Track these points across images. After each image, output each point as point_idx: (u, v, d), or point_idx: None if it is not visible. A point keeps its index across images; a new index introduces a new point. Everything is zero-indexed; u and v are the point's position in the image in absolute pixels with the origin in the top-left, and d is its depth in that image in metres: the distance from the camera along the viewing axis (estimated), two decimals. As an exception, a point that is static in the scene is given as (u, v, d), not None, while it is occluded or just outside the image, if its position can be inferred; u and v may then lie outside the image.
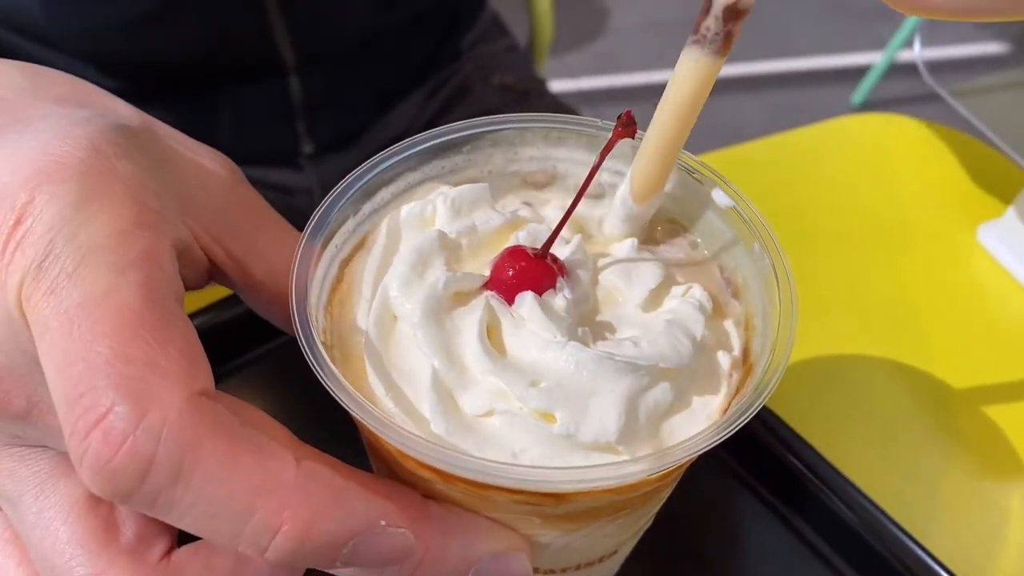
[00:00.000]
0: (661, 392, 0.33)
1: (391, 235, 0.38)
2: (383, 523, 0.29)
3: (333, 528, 0.28)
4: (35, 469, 0.32)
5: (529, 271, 0.35)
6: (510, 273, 0.35)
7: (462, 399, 0.33)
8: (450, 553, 0.32)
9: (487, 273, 0.36)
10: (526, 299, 0.34)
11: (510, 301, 0.35)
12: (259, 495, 0.27)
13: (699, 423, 0.34)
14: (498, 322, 0.34)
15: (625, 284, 0.37)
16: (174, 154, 0.36)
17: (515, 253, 0.36)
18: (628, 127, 0.34)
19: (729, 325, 0.38)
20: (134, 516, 0.31)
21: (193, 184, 0.35)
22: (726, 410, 0.35)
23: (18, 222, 0.29)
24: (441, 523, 0.32)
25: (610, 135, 0.35)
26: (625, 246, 0.39)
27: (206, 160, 0.37)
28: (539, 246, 0.36)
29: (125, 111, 0.36)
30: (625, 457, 0.32)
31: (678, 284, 0.38)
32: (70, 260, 0.28)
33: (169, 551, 0.31)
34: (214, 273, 0.37)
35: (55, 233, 0.28)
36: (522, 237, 0.37)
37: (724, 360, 0.36)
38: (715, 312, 0.38)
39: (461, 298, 0.35)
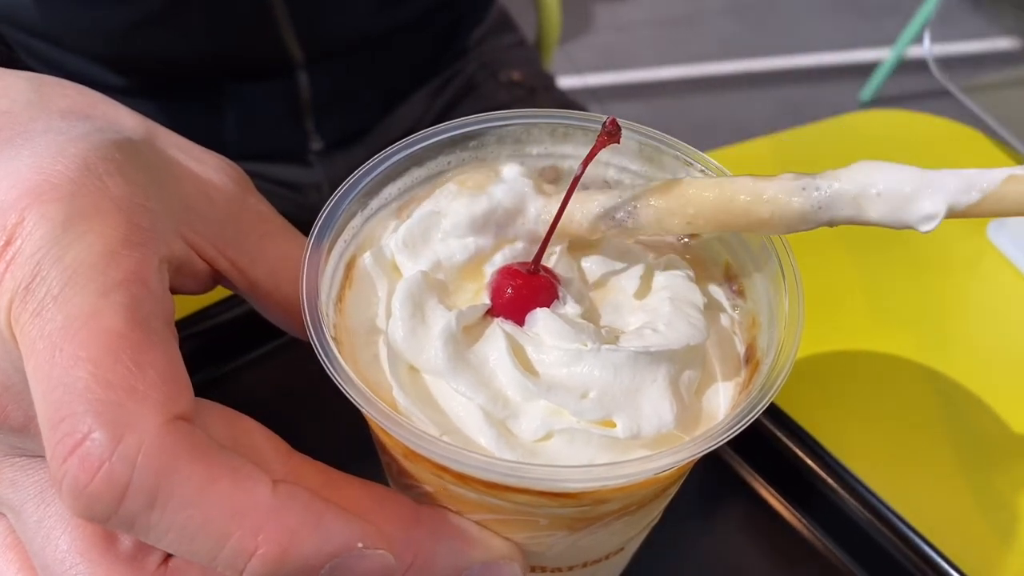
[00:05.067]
0: (692, 368, 0.34)
1: (368, 282, 0.37)
2: (360, 545, 0.30)
3: (309, 552, 0.28)
4: (36, 479, 0.33)
5: (531, 289, 0.35)
6: (512, 295, 0.35)
7: (516, 429, 0.33)
8: (440, 559, 0.32)
9: (485, 300, 0.36)
10: (539, 317, 0.34)
11: (520, 322, 0.35)
12: (234, 519, 0.27)
13: (724, 388, 0.35)
14: (519, 346, 0.34)
15: (613, 275, 0.38)
16: (176, 166, 0.36)
17: (508, 273, 0.36)
18: (613, 135, 0.34)
19: (713, 288, 0.39)
20: None
21: (195, 196, 0.36)
22: (744, 370, 0.36)
23: (8, 243, 0.29)
24: (431, 529, 0.32)
25: (618, 138, 0.35)
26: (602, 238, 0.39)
27: (211, 170, 0.37)
28: (516, 260, 0.36)
29: (129, 122, 0.37)
30: (684, 441, 0.32)
31: (656, 260, 0.39)
32: (56, 282, 0.28)
33: (167, 558, 0.31)
34: (220, 280, 0.37)
35: (42, 255, 0.29)
36: (498, 260, 0.37)
37: (725, 320, 0.38)
38: (698, 279, 0.38)
39: (469, 331, 0.35)
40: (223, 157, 0.38)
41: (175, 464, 0.27)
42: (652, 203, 0.35)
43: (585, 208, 0.36)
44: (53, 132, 0.33)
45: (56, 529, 0.31)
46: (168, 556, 0.31)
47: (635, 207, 0.35)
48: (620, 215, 0.35)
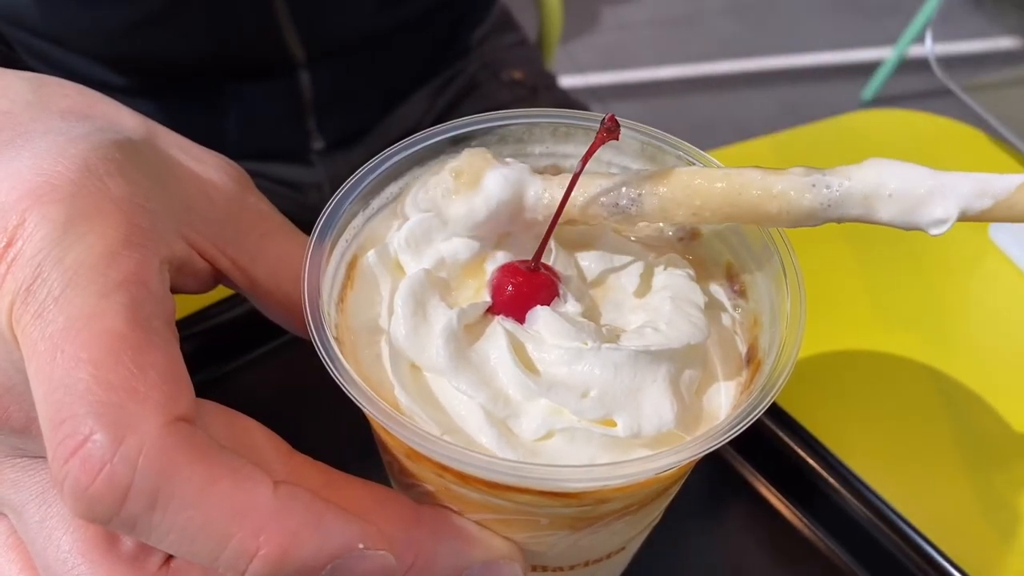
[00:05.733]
0: (693, 368, 0.34)
1: (370, 280, 0.37)
2: (361, 546, 0.30)
3: (309, 553, 0.28)
4: (37, 479, 0.33)
5: (531, 286, 0.35)
6: (512, 292, 0.35)
7: (516, 428, 0.33)
8: (440, 559, 0.32)
9: (486, 298, 0.36)
10: (540, 315, 0.34)
11: (521, 320, 0.35)
12: (235, 520, 0.28)
13: (725, 388, 0.35)
14: (520, 344, 0.34)
15: (612, 273, 0.38)
16: (176, 166, 0.36)
17: (509, 271, 0.36)
18: (612, 131, 0.34)
19: (714, 287, 0.39)
20: None
21: (195, 196, 0.36)
22: (746, 370, 0.36)
23: (9, 244, 0.29)
24: (432, 529, 0.33)
25: (616, 134, 0.35)
26: (598, 235, 0.39)
27: (211, 169, 0.37)
28: (517, 258, 0.36)
29: (130, 122, 0.37)
30: (686, 441, 0.32)
31: (656, 259, 0.39)
32: (57, 283, 0.28)
33: (169, 559, 0.31)
34: (221, 279, 0.37)
35: (43, 256, 0.29)
36: (500, 257, 0.37)
37: (726, 319, 0.38)
38: (699, 278, 0.38)
39: (471, 330, 0.35)
40: (223, 156, 0.38)
41: (176, 465, 0.27)
42: (657, 192, 0.34)
43: (587, 192, 0.35)
44: (53, 133, 0.33)
45: (58, 530, 0.31)
46: (170, 557, 0.31)
47: (639, 195, 0.34)
48: (623, 202, 0.35)
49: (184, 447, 0.27)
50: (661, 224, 0.41)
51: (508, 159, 0.38)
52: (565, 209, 0.35)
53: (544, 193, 0.36)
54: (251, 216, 0.37)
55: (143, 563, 0.31)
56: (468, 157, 0.37)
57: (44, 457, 0.32)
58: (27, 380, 0.29)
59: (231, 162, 0.39)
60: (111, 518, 0.27)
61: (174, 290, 0.33)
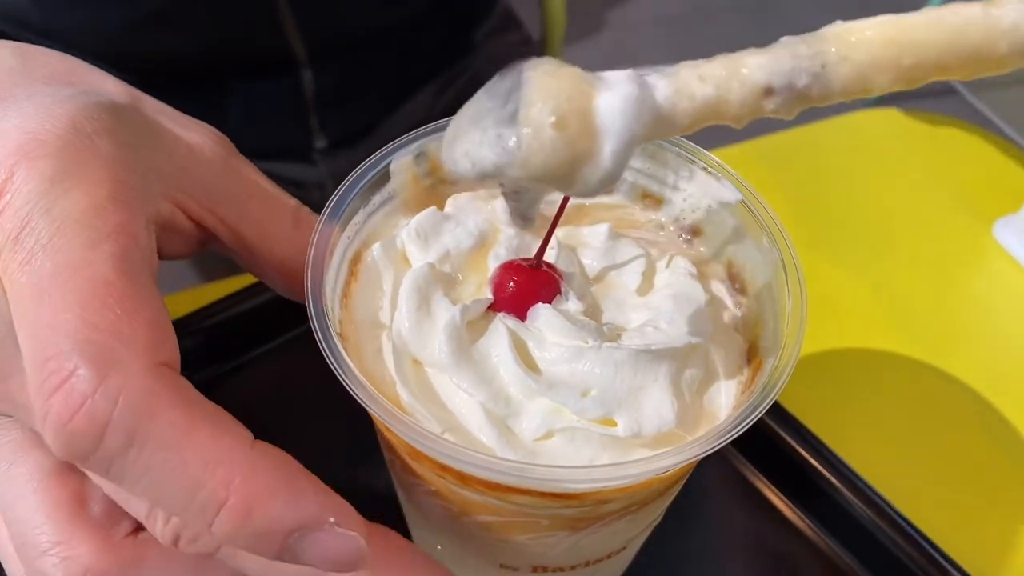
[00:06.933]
0: (694, 367, 0.34)
1: (374, 274, 0.37)
2: (332, 520, 0.29)
3: (276, 512, 0.28)
4: (7, 439, 0.33)
5: (533, 284, 0.35)
6: (514, 290, 0.35)
7: (516, 428, 0.33)
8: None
9: (488, 294, 0.36)
10: (541, 312, 0.34)
11: (523, 317, 0.35)
12: (208, 468, 0.27)
13: (727, 387, 0.35)
14: (521, 341, 0.34)
15: (614, 271, 0.38)
16: (161, 129, 0.36)
17: (511, 268, 0.36)
18: None
19: (716, 285, 0.39)
20: (104, 493, 0.32)
21: (181, 157, 0.36)
22: (747, 369, 0.36)
23: None
24: (399, 556, 0.32)
25: None
26: (599, 233, 0.39)
27: (196, 134, 0.37)
28: (520, 255, 0.36)
29: (113, 88, 0.37)
30: (687, 441, 0.32)
31: (658, 257, 0.39)
32: (45, 232, 0.29)
33: (137, 529, 0.31)
34: (209, 240, 0.38)
35: (32, 207, 0.29)
36: (502, 254, 0.37)
37: (727, 318, 0.38)
38: (701, 277, 0.38)
39: (473, 326, 0.35)
40: (207, 124, 0.39)
41: (156, 407, 0.27)
42: (851, 57, 0.27)
43: (741, 79, 0.27)
44: (38, 96, 0.33)
45: (26, 488, 0.32)
46: (138, 528, 0.31)
47: (822, 68, 0.27)
48: (804, 82, 0.27)
49: (166, 391, 0.28)
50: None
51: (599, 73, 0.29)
52: (714, 108, 0.27)
53: (675, 95, 0.27)
54: (237, 177, 0.38)
55: (108, 530, 0.31)
56: (558, 87, 0.28)
57: (13, 416, 0.33)
58: (8, 333, 0.29)
59: (215, 129, 0.39)
60: (88, 455, 0.27)
61: (161, 253, 0.34)
